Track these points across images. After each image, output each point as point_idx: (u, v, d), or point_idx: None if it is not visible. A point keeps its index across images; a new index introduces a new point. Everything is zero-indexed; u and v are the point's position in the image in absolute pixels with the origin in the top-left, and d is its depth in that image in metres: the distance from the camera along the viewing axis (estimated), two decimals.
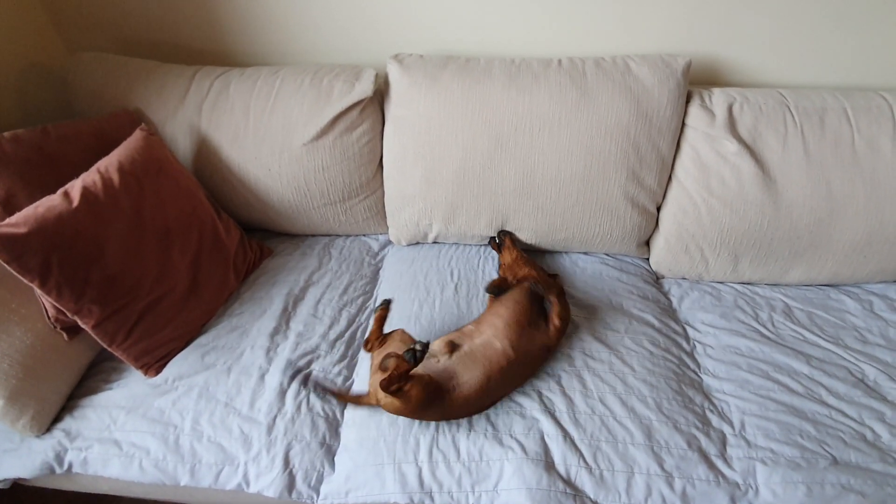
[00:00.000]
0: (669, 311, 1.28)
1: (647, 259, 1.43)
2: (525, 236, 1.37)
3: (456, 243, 1.46)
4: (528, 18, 1.36)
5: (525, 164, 1.25)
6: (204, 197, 1.29)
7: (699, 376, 1.14)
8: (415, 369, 0.94)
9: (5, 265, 0.92)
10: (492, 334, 1.04)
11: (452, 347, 1.02)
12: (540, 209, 1.30)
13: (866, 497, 0.91)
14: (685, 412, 1.04)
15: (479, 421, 1.01)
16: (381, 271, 1.42)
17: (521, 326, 1.05)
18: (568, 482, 0.95)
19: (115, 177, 1.08)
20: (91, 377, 1.14)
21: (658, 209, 1.34)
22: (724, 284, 1.36)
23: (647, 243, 1.41)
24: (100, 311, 1.03)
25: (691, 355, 1.18)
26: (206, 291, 1.22)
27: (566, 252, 1.44)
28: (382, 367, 0.94)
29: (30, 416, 1.01)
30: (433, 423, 1.01)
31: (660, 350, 1.16)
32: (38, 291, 0.98)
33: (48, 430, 1.05)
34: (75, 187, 1.03)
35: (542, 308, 1.13)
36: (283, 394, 1.07)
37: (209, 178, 1.36)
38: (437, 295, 1.28)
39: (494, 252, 1.41)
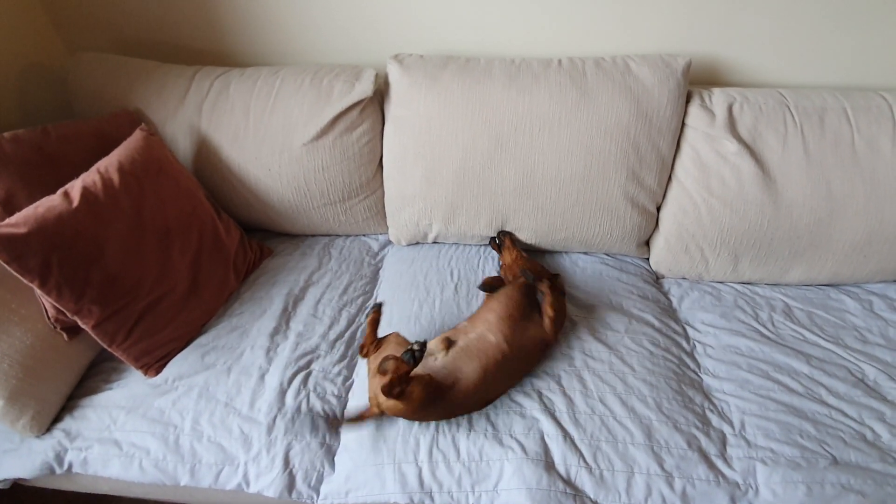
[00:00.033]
0: (669, 311, 1.28)
1: (647, 259, 1.43)
2: (525, 236, 1.37)
3: (456, 243, 1.46)
4: (528, 18, 1.36)
5: (525, 164, 1.25)
6: (204, 197, 1.29)
7: (699, 376, 1.14)
8: (414, 369, 0.94)
9: (5, 265, 0.92)
10: (485, 328, 1.04)
11: (448, 344, 1.03)
12: (540, 209, 1.30)
13: (866, 497, 0.91)
14: (685, 412, 1.04)
15: (479, 421, 1.01)
16: (380, 271, 1.42)
17: (513, 320, 1.06)
18: (568, 482, 0.95)
19: (115, 177, 1.08)
20: (91, 377, 1.14)
21: (658, 209, 1.35)
22: (724, 284, 1.36)
23: (647, 243, 1.41)
24: (100, 312, 1.03)
25: (691, 355, 1.18)
26: (206, 291, 1.22)
27: (566, 252, 1.44)
28: (381, 370, 0.94)
29: (30, 417, 1.01)
30: (433, 423, 1.01)
31: (660, 350, 1.16)
32: (38, 292, 0.98)
33: (48, 430, 1.05)
34: (75, 187, 1.03)
35: (537, 302, 1.13)
36: (283, 394, 1.07)
37: (209, 178, 1.36)
38: (437, 295, 1.28)
39: (495, 252, 1.41)
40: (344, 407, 1.08)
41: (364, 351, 1.07)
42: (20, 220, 0.94)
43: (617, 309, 1.25)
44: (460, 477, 0.96)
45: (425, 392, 0.92)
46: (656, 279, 1.40)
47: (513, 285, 1.15)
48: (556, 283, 1.25)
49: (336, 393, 1.09)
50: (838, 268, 1.28)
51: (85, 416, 1.06)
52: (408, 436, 1.00)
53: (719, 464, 0.97)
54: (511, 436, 0.99)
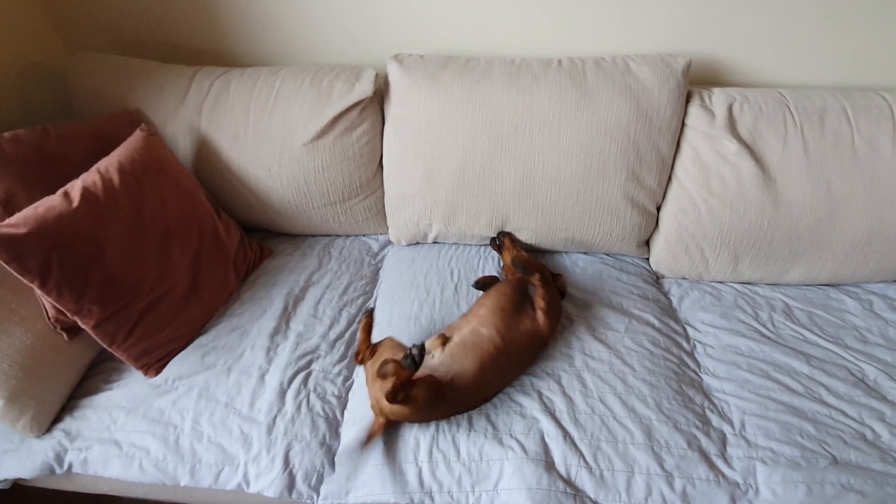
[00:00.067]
0: (669, 311, 1.28)
1: (647, 259, 1.43)
2: (525, 236, 1.37)
3: (456, 243, 1.46)
4: (528, 18, 1.36)
5: (525, 164, 1.25)
6: (204, 197, 1.29)
7: (699, 376, 1.14)
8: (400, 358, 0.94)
9: (5, 265, 0.92)
10: (477, 323, 1.05)
11: (444, 341, 1.03)
12: (540, 209, 1.30)
13: (866, 496, 0.91)
14: (685, 412, 1.04)
15: (480, 421, 1.01)
16: (381, 271, 1.42)
17: (505, 313, 1.06)
18: (568, 482, 0.95)
19: (115, 177, 1.08)
20: (91, 377, 1.14)
21: (658, 209, 1.34)
22: (724, 284, 1.36)
23: (647, 243, 1.41)
24: (100, 312, 1.03)
25: (691, 355, 1.18)
26: (206, 291, 1.22)
27: (566, 252, 1.44)
28: (381, 374, 0.93)
29: (30, 417, 1.01)
30: (433, 423, 1.01)
31: (660, 350, 1.16)
32: (38, 292, 0.98)
33: (48, 430, 1.05)
34: (75, 187, 1.03)
35: (529, 295, 1.13)
36: (283, 394, 1.07)
37: (209, 178, 1.36)
38: (437, 295, 1.28)
39: (495, 252, 1.41)
40: (344, 407, 1.08)
41: (359, 357, 1.06)
42: (20, 221, 0.94)
43: (617, 309, 1.25)
44: (460, 477, 0.96)
45: (429, 392, 0.92)
46: (656, 279, 1.40)
47: (506, 281, 1.15)
48: (558, 282, 1.26)
49: (336, 393, 1.09)
50: (838, 268, 1.28)
51: (85, 416, 1.06)
52: (408, 436, 1.00)
53: (719, 463, 0.97)
54: (511, 436, 0.99)
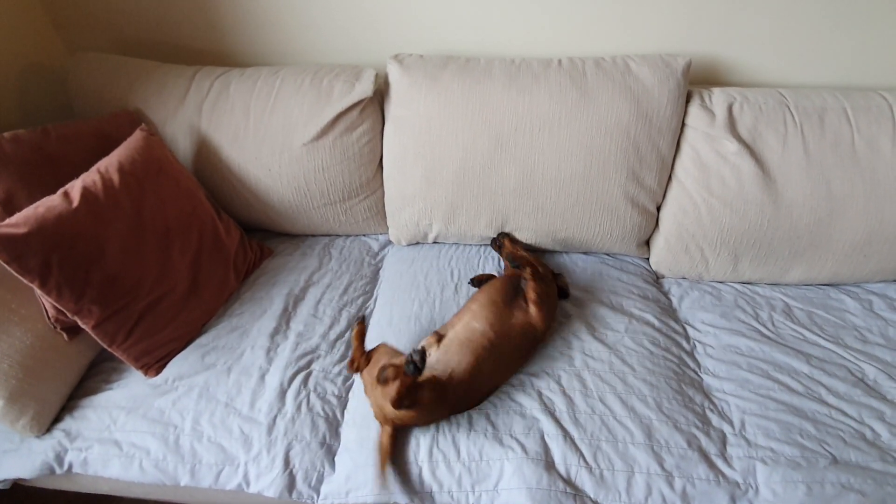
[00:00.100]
0: (669, 311, 1.28)
1: (647, 259, 1.43)
2: (525, 236, 1.37)
3: (456, 243, 1.46)
4: (528, 18, 1.36)
5: (525, 164, 1.25)
6: (204, 197, 1.29)
7: (699, 376, 1.14)
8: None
9: (5, 265, 0.92)
10: (469, 318, 1.06)
11: (439, 338, 1.04)
12: (540, 209, 1.30)
13: (866, 496, 0.91)
14: (685, 411, 1.04)
15: (480, 421, 1.01)
16: (381, 271, 1.42)
17: (496, 305, 1.07)
18: (568, 482, 0.95)
19: (116, 177, 1.08)
20: (91, 377, 1.13)
21: (658, 209, 1.35)
22: (724, 284, 1.36)
23: (647, 243, 1.41)
24: (100, 312, 1.03)
25: (691, 355, 1.18)
26: (206, 291, 1.22)
27: (566, 252, 1.44)
28: (381, 380, 0.93)
29: (30, 417, 1.01)
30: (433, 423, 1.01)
31: (660, 350, 1.16)
32: (38, 292, 0.98)
33: (48, 430, 1.05)
34: (75, 187, 1.03)
35: (522, 288, 1.14)
36: (283, 394, 1.07)
37: (209, 178, 1.36)
38: (437, 295, 1.28)
39: (495, 252, 1.41)
40: (344, 407, 1.08)
41: (355, 365, 1.04)
42: (20, 221, 0.94)
43: (617, 309, 1.25)
44: (460, 477, 0.96)
45: (434, 392, 0.92)
46: (656, 279, 1.40)
47: (500, 276, 1.15)
48: (560, 281, 1.26)
49: (336, 393, 1.09)
50: (838, 267, 1.28)
51: (85, 416, 1.06)
52: (407, 436, 1.00)
53: (719, 463, 0.97)
54: (511, 435, 0.99)
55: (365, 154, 1.34)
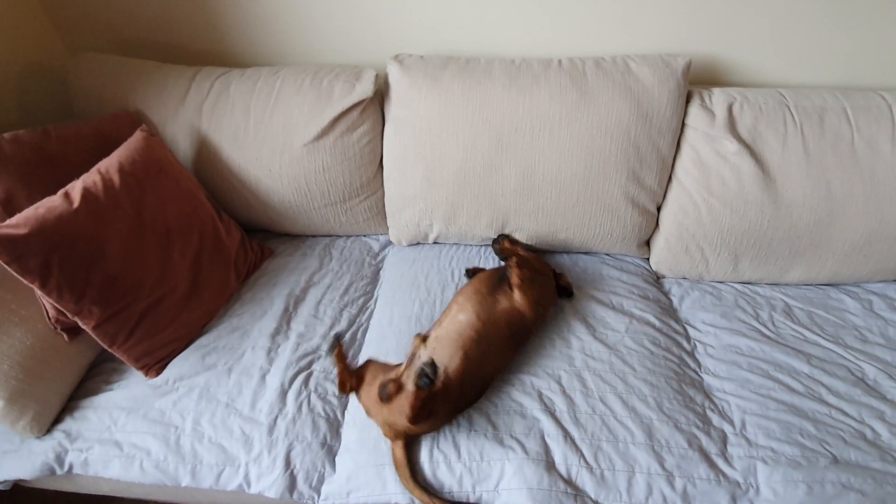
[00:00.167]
0: (670, 311, 1.28)
1: (648, 259, 1.43)
2: (525, 237, 1.37)
3: (456, 244, 1.46)
4: (529, 19, 1.36)
5: (525, 164, 1.25)
6: (204, 198, 1.29)
7: (700, 376, 1.14)
8: (413, 378, 0.93)
9: (6, 266, 0.91)
10: (456, 310, 1.06)
11: (423, 339, 1.04)
12: (540, 209, 1.30)
13: (866, 495, 0.91)
14: (686, 411, 1.04)
15: (480, 421, 1.01)
16: (381, 272, 1.42)
17: (481, 295, 1.08)
18: (569, 482, 0.95)
19: (116, 178, 1.08)
20: (91, 378, 1.13)
21: (658, 209, 1.35)
22: (724, 284, 1.36)
23: (648, 243, 1.41)
24: (100, 312, 1.03)
25: (692, 355, 1.18)
26: (206, 292, 1.22)
27: (567, 252, 1.44)
28: (384, 398, 0.93)
29: (30, 418, 1.00)
30: None
31: (660, 350, 1.16)
32: (39, 292, 0.98)
33: (48, 431, 1.05)
34: (76, 188, 1.03)
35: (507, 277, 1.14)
36: (284, 394, 1.07)
37: (210, 178, 1.36)
38: (437, 295, 1.28)
39: (495, 253, 1.41)
40: (345, 408, 1.08)
41: (346, 387, 1.00)
42: (20, 221, 0.94)
43: (617, 309, 1.25)
44: (461, 477, 0.96)
45: (446, 399, 0.93)
46: (657, 279, 1.40)
47: (489, 269, 1.17)
48: (562, 280, 1.26)
49: (337, 394, 1.09)
50: (838, 267, 1.28)
51: (85, 416, 1.06)
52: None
53: (720, 463, 0.97)
54: (511, 436, 1.00)
55: (365, 154, 1.34)
